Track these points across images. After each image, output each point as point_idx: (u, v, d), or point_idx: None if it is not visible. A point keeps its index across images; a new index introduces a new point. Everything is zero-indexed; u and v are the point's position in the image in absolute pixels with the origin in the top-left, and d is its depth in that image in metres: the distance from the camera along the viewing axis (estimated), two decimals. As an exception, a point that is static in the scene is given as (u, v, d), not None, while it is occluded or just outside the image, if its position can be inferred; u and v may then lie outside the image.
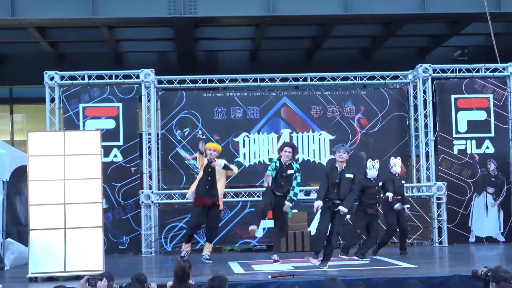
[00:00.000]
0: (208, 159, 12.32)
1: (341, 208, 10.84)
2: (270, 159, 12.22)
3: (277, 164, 11.80)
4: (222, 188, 12.44)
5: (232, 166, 12.51)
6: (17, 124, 23.63)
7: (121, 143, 15.06)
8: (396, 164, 12.93)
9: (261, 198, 13.77)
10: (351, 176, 10.98)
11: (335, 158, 11.11)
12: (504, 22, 20.16)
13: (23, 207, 12.82)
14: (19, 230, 12.71)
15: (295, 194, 11.80)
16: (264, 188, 12.23)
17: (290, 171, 11.78)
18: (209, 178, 12.31)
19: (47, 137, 10.81)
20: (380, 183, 12.49)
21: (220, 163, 12.25)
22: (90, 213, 10.40)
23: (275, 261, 11.79)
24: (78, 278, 7.30)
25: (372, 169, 12.27)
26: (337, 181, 10.89)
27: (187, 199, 12.96)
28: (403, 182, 13.15)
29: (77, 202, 10.37)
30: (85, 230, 10.34)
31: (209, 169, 12.30)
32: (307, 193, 15.20)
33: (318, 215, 11.76)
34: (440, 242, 14.93)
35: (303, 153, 15.63)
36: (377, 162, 12.41)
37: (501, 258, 12.68)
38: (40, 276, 10.24)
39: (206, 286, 7.53)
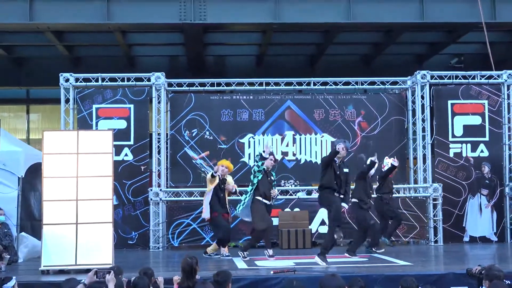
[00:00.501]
0: (219, 176, 12.38)
1: (343, 205, 10.83)
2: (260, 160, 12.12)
3: (263, 168, 11.92)
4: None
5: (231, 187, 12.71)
6: (33, 123, 23.65)
7: (131, 142, 15.02)
8: (389, 164, 13.01)
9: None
10: (347, 170, 11.02)
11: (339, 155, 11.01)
12: (499, 31, 20.08)
13: (37, 202, 12.82)
14: (33, 224, 12.69)
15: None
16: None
17: (272, 177, 12.09)
18: (222, 195, 12.44)
19: (62, 136, 10.82)
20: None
21: (233, 188, 12.58)
22: (101, 209, 10.48)
23: (271, 256, 11.71)
24: (88, 271, 7.25)
25: (387, 166, 12.31)
26: (338, 172, 10.84)
27: (205, 220, 12.84)
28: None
29: (88, 199, 10.44)
30: (96, 225, 10.41)
31: (222, 186, 12.43)
32: (309, 192, 15.17)
33: (318, 215, 11.77)
34: (436, 241, 14.86)
35: (305, 154, 15.59)
36: (392, 159, 12.54)
37: (494, 257, 12.60)
38: (52, 269, 10.25)
39: (211, 281, 7.48)
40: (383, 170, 13.00)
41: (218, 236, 12.49)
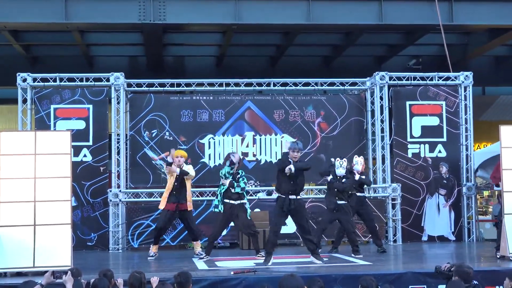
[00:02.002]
0: (177, 167, 12.36)
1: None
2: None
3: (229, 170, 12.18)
4: (189, 190, 12.52)
5: (187, 170, 12.46)
6: (-11, 123, 23.30)
7: (90, 143, 14.88)
8: (358, 163, 13.03)
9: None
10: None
11: (289, 155, 10.98)
12: (456, 33, 20.41)
13: (-6, 204, 12.56)
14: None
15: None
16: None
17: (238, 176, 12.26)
18: (179, 184, 12.36)
19: (19, 137, 10.67)
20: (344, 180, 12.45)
21: (175, 169, 12.28)
22: (59, 211, 10.33)
23: (262, 256, 11.76)
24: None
25: (340, 167, 12.21)
26: (293, 173, 10.84)
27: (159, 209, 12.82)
28: (362, 177, 13.15)
29: (47, 200, 10.29)
30: (54, 227, 10.26)
31: (178, 176, 12.35)
32: (269, 193, 15.20)
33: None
34: (395, 241, 14.99)
35: (265, 155, 15.62)
36: (344, 161, 12.36)
37: (452, 256, 12.75)
38: (10, 271, 10.07)
39: (171, 282, 7.46)
40: (353, 169, 12.88)
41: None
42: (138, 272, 7.72)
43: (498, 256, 11.52)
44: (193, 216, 13.24)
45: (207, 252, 12.12)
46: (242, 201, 12.21)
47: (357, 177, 12.81)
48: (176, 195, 12.27)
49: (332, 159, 12.70)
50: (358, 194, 13.03)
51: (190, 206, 12.46)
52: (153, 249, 12.52)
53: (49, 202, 10.30)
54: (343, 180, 12.31)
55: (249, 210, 12.46)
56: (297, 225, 11.27)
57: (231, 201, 12.10)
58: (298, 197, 10.99)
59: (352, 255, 12.29)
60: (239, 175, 12.24)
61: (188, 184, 12.49)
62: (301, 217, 11.06)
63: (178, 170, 12.25)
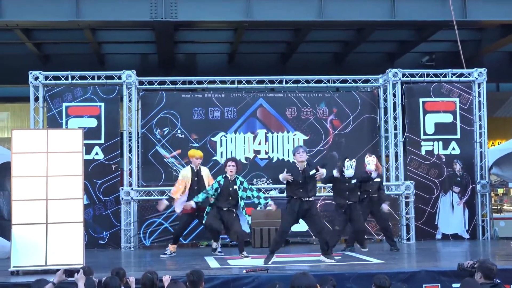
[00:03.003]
0: (193, 168, 12.43)
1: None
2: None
3: (222, 182, 11.78)
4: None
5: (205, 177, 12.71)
6: (1, 122, 23.40)
7: (102, 141, 14.90)
8: (370, 162, 12.65)
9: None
10: (314, 171, 10.85)
11: (295, 159, 10.95)
12: (469, 29, 20.30)
13: (6, 202, 12.65)
14: (2, 224, 12.55)
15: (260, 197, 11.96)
16: None
17: (235, 187, 11.78)
18: (197, 187, 12.39)
19: (31, 135, 10.68)
20: (354, 181, 12.27)
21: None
22: (72, 209, 10.33)
23: (246, 256, 11.70)
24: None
25: (350, 168, 12.04)
26: (300, 181, 10.77)
27: (177, 213, 12.89)
28: (377, 179, 12.98)
29: (59, 198, 10.30)
30: (66, 225, 10.27)
31: (196, 178, 12.38)
32: (282, 190, 15.14)
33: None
34: (408, 239, 14.93)
35: (277, 153, 15.58)
36: (354, 161, 12.23)
37: (466, 254, 12.69)
38: (22, 270, 10.10)
39: (184, 280, 7.45)
40: (366, 169, 12.70)
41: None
42: (151, 272, 7.71)
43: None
44: None
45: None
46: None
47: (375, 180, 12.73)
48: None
49: (338, 164, 12.57)
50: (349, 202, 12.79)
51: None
52: (170, 248, 12.51)
53: (61, 200, 10.31)
54: (353, 181, 12.21)
55: (247, 217, 12.20)
56: (312, 225, 11.17)
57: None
58: (311, 199, 10.93)
59: (362, 249, 12.48)
60: (240, 184, 11.90)
61: (206, 181, 12.54)
62: (315, 217, 11.01)
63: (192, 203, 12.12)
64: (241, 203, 11.83)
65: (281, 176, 10.83)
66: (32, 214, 10.24)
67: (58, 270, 7.59)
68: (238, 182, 11.79)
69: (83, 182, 10.69)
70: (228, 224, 11.87)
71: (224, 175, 11.87)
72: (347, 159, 12.19)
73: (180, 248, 13.99)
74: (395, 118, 15.41)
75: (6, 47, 20.98)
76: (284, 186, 11.29)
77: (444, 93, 15.65)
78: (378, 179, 13.01)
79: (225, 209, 11.79)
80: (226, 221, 11.84)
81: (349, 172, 12.09)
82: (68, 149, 10.48)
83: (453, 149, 15.53)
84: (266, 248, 13.58)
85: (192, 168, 12.68)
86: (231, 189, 11.74)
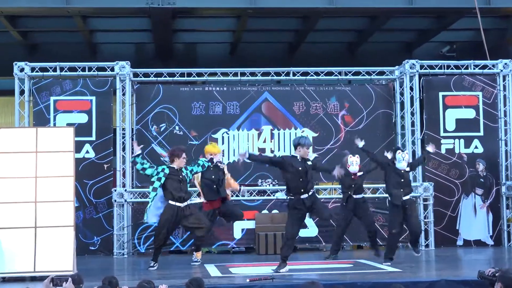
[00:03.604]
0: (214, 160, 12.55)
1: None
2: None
3: (166, 171, 11.84)
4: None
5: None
6: (-17, 117, 23.42)
7: (93, 138, 14.91)
8: (353, 163, 12.77)
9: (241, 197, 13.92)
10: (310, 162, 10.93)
11: (300, 153, 10.86)
12: (493, 17, 20.20)
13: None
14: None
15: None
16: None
17: (183, 174, 11.88)
18: (217, 178, 12.59)
19: (19, 134, 10.83)
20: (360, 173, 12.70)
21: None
22: (62, 212, 10.61)
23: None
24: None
25: (402, 161, 12.08)
26: (301, 173, 10.79)
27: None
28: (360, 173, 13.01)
29: (48, 201, 10.55)
30: (56, 229, 10.48)
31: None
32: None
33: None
34: (427, 245, 14.92)
35: (284, 151, 15.56)
36: (357, 157, 12.55)
37: (489, 263, 12.65)
38: (9, 276, 10.16)
39: (182, 289, 7.44)
40: (350, 170, 12.70)
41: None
42: (147, 281, 7.69)
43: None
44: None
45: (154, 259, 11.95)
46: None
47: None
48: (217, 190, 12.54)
49: (344, 160, 12.68)
50: (354, 196, 12.86)
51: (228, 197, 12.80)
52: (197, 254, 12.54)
53: (51, 203, 10.54)
54: (359, 174, 12.63)
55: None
56: (319, 214, 11.23)
57: (177, 204, 11.78)
58: (310, 193, 10.91)
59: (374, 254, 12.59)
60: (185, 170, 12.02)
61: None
62: (322, 210, 11.02)
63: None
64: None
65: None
66: (20, 217, 10.39)
67: (47, 277, 7.59)
68: (184, 171, 11.92)
69: (74, 183, 10.82)
70: (186, 223, 11.94)
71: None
72: (350, 155, 12.54)
73: (178, 255, 14.04)
74: (412, 114, 15.39)
75: (-11, 36, 21.01)
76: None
77: (466, 87, 15.63)
78: (361, 173, 12.97)
79: (182, 205, 11.73)
80: (184, 217, 11.80)
81: (401, 164, 12.07)
82: (58, 149, 10.68)
83: (476, 147, 15.51)
84: (271, 255, 13.63)
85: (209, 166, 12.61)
86: (180, 176, 11.84)
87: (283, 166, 10.89)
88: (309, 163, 10.88)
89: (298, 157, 10.84)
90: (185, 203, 11.75)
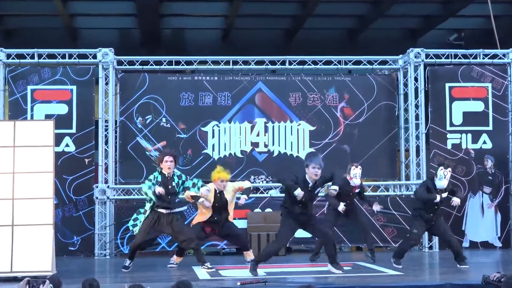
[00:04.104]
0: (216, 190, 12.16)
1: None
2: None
3: (158, 178, 11.55)
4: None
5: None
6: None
7: (74, 130, 14.93)
8: (357, 176, 12.62)
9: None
10: (319, 189, 10.85)
11: (307, 172, 10.62)
12: (504, 3, 20.26)
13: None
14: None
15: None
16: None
17: (173, 184, 11.59)
18: (219, 212, 12.19)
19: (-5, 127, 10.86)
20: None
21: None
22: (40, 210, 10.64)
23: (210, 268, 11.68)
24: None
25: (444, 179, 11.67)
26: (303, 199, 10.60)
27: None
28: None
29: (26, 198, 10.64)
30: (34, 227, 10.58)
31: (216, 204, 12.13)
32: (283, 190, 15.17)
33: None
34: (431, 247, 14.99)
35: (279, 146, 15.61)
36: (360, 168, 12.53)
37: (497, 266, 12.73)
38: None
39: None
40: (352, 182, 12.62)
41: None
42: (133, 285, 7.71)
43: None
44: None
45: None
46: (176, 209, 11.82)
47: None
48: (214, 221, 12.21)
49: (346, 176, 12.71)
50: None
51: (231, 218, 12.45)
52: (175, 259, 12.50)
53: (29, 200, 10.62)
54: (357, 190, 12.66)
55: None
56: (313, 232, 11.15)
57: (161, 210, 11.62)
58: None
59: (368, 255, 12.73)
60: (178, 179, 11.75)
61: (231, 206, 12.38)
62: (315, 223, 11.00)
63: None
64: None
65: (297, 193, 10.53)
66: (-4, 215, 10.41)
67: (24, 278, 7.63)
68: (176, 179, 11.66)
69: (54, 179, 10.88)
70: (167, 230, 11.76)
71: (160, 172, 11.67)
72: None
73: (164, 257, 14.02)
74: (416, 106, 15.44)
75: (-39, 20, 20.99)
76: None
77: (474, 77, 15.69)
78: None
79: (165, 212, 11.58)
80: (164, 225, 11.63)
81: (441, 183, 11.65)
82: (37, 143, 10.79)
83: (484, 142, 15.58)
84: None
85: (215, 190, 12.23)
86: (170, 187, 11.57)
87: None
88: (317, 192, 10.83)
89: (309, 183, 10.62)
90: (169, 211, 11.60)
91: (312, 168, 10.53)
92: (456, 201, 11.77)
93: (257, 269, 10.73)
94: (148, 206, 11.58)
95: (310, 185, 10.60)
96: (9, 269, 10.38)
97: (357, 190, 12.76)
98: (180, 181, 11.64)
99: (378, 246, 15.10)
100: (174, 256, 12.53)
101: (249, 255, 12.55)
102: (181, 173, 11.84)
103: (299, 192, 10.44)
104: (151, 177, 11.61)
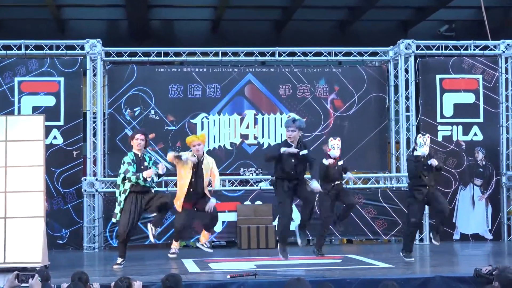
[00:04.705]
0: (194, 157, 11.95)
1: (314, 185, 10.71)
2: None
3: (132, 158, 11.44)
4: (206, 179, 12.19)
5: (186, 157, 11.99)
6: None
7: (61, 123, 14.93)
8: (335, 146, 12.52)
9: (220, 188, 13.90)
10: (305, 151, 10.80)
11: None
12: (496, -6, 20.31)
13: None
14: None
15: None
16: None
17: (146, 164, 11.49)
18: (196, 179, 11.97)
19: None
20: (341, 162, 12.55)
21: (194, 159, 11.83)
22: (32, 202, 10.99)
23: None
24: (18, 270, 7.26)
25: (424, 145, 11.73)
26: (293, 160, 10.71)
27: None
28: (340, 163, 12.81)
29: (18, 191, 10.97)
30: (26, 220, 10.92)
31: (195, 169, 11.92)
32: (273, 182, 15.20)
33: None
34: (421, 240, 15.05)
35: (269, 138, 15.64)
36: (338, 140, 12.51)
37: (488, 258, 12.79)
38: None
39: (158, 286, 7.49)
40: (330, 154, 12.56)
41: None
42: (122, 279, 7.71)
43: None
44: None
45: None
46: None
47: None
48: (193, 193, 12.01)
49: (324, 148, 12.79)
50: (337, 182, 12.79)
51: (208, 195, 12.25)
52: (174, 244, 12.45)
53: (21, 193, 10.96)
54: (339, 163, 12.54)
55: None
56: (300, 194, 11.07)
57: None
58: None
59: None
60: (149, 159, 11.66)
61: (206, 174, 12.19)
62: (304, 192, 10.97)
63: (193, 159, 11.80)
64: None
65: (284, 149, 10.63)
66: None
67: (17, 268, 7.65)
68: (147, 158, 11.61)
69: (44, 173, 11.12)
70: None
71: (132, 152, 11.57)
72: (331, 138, 12.51)
73: (154, 250, 14.07)
74: (407, 98, 15.49)
75: None
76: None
77: (465, 69, 15.74)
78: (341, 162, 12.81)
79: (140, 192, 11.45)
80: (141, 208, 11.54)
81: (422, 150, 11.63)
82: (28, 137, 11.12)
83: (475, 134, 15.64)
84: (253, 250, 13.70)
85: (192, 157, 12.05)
86: (142, 167, 11.44)
87: None
88: (302, 153, 10.81)
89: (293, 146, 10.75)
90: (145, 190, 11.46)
91: (286, 131, 10.77)
92: (433, 161, 11.83)
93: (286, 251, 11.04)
94: (127, 185, 11.40)
95: (294, 146, 10.68)
96: (2, 260, 10.70)
97: (339, 163, 12.63)
98: (151, 162, 11.59)
99: (368, 239, 15.23)
100: (174, 242, 12.48)
101: (205, 237, 12.44)
102: (151, 155, 11.76)
103: (285, 150, 10.59)
104: (126, 159, 11.40)
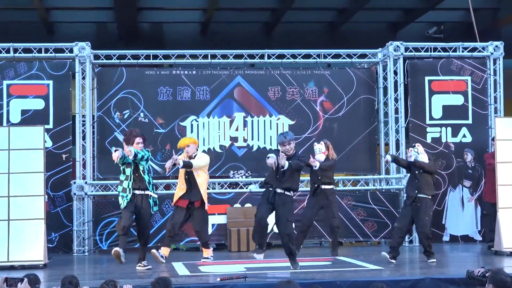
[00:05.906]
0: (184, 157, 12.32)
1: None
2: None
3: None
4: (203, 184, 12.41)
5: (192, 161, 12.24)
6: None
7: (51, 126, 14.87)
8: (317, 150, 13.12)
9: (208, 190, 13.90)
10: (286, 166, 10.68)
11: (280, 151, 10.77)
12: (484, -5, 20.39)
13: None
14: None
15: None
16: None
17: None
18: (189, 175, 12.32)
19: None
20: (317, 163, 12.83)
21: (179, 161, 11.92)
22: (33, 206, 12.29)
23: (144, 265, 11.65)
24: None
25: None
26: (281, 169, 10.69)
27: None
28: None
29: (20, 195, 12.29)
30: (28, 222, 12.22)
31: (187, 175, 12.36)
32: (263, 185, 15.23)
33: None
34: (411, 241, 15.09)
35: (258, 140, 15.65)
36: (322, 144, 13.14)
37: (478, 260, 12.85)
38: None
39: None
40: (316, 158, 12.84)
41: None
42: (108, 282, 7.73)
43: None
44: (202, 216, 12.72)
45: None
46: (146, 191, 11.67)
47: None
48: (187, 189, 12.32)
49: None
50: (323, 187, 13.04)
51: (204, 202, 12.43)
52: (163, 251, 12.46)
53: (23, 197, 12.28)
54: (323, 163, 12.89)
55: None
56: (276, 222, 11.06)
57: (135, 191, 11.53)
58: (287, 193, 10.83)
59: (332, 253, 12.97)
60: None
61: (202, 176, 12.39)
62: (283, 212, 10.87)
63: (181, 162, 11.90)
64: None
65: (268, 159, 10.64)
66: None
67: (20, 266, 7.72)
68: (140, 154, 11.55)
69: (45, 179, 12.45)
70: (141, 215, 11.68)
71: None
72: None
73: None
74: (396, 100, 15.53)
75: None
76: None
77: (453, 71, 15.78)
78: (317, 164, 12.91)
79: (139, 193, 11.52)
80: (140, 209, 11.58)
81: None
82: (29, 146, 12.44)
83: (464, 136, 15.68)
84: (243, 252, 13.72)
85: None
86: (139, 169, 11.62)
87: None
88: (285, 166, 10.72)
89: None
90: (142, 192, 11.49)
91: (282, 147, 10.78)
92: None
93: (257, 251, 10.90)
94: (125, 184, 11.46)
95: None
96: (6, 258, 12.00)
97: (321, 164, 12.91)
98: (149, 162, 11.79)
99: (358, 241, 15.26)
100: (162, 248, 12.52)
101: (207, 252, 12.75)
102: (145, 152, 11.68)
103: (268, 159, 10.58)
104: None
